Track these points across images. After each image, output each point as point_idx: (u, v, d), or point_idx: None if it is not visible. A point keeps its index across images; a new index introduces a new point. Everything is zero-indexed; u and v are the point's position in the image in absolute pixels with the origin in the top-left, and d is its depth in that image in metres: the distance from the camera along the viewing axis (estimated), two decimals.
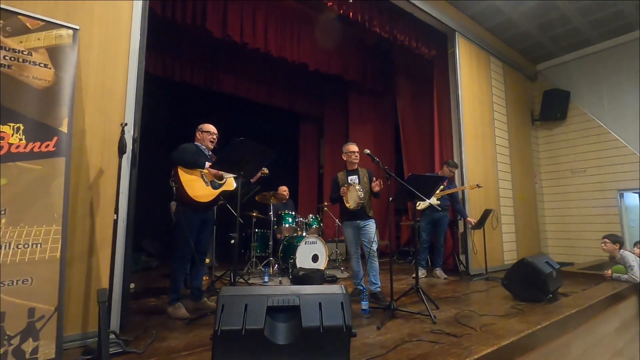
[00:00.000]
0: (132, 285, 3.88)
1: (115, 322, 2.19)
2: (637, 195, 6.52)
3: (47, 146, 1.99)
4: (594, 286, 3.90)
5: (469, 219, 4.85)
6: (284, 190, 5.42)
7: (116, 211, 2.20)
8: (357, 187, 3.40)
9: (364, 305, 3.01)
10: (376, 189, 3.38)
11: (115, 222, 2.19)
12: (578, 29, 5.89)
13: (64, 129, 2.09)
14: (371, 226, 3.45)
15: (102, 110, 2.39)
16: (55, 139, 2.03)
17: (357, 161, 3.56)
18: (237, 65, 6.52)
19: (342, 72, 6.38)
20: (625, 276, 3.88)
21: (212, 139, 3.16)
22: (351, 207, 3.42)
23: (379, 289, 3.43)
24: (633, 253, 4.15)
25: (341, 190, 3.50)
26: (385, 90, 7.26)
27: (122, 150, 2.26)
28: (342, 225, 3.69)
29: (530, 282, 3.34)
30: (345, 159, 3.65)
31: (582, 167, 6.44)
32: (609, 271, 4.11)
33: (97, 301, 1.82)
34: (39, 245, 1.84)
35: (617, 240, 4.07)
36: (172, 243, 3.07)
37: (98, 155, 2.34)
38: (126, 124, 2.32)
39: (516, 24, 5.81)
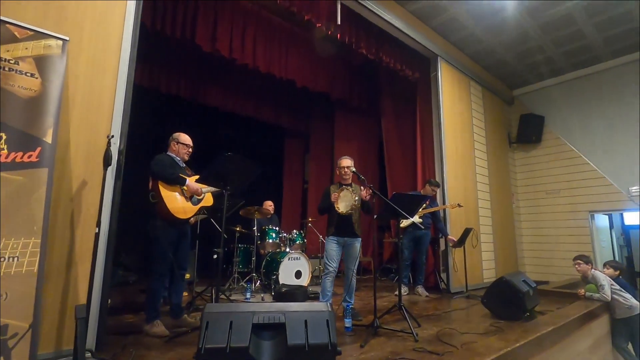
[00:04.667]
0: (108, 301, 3.75)
1: (91, 340, 2.11)
2: (606, 216, 6.85)
3: (29, 156, 1.95)
4: (569, 305, 4.03)
5: (450, 237, 4.95)
6: (269, 205, 5.41)
7: (98, 224, 2.15)
8: (352, 193, 3.32)
9: (347, 323, 3.01)
10: (366, 196, 3.24)
11: (97, 235, 2.14)
12: (551, 59, 6.26)
13: (48, 139, 2.05)
14: (357, 245, 3.45)
15: (89, 121, 2.36)
16: (38, 149, 1.99)
17: (347, 177, 3.47)
18: (224, 79, 6.54)
19: (328, 90, 6.50)
20: (597, 295, 4.03)
21: (188, 152, 3.10)
22: (341, 211, 3.31)
23: (352, 306, 3.35)
24: (603, 273, 4.33)
25: (332, 195, 3.37)
26: (370, 108, 7.43)
27: (107, 162, 2.23)
28: (326, 239, 3.54)
29: (508, 301, 3.43)
30: (337, 173, 3.62)
31: (556, 188, 6.72)
32: (582, 290, 4.26)
33: (75, 317, 1.76)
34: (15, 258, 1.78)
35: (588, 260, 4.23)
36: (150, 259, 2.97)
37: (82, 166, 2.30)
38: (112, 136, 2.30)
39: (495, 52, 6.12)
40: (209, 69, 6.31)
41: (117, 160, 2.43)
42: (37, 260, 1.81)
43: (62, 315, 2.09)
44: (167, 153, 3.05)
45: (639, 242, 7.43)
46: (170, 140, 3.09)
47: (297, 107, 7.98)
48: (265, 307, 1.76)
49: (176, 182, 2.87)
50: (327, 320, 1.74)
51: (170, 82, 6.09)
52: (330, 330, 1.71)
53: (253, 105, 7.23)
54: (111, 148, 2.27)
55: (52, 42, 2.23)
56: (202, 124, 7.71)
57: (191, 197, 2.97)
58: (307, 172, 8.54)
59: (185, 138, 3.09)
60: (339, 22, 4.40)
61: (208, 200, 3.13)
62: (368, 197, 3.25)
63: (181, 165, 3.06)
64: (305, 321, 1.72)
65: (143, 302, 3.79)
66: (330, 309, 1.79)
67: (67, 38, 2.28)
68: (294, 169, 8.56)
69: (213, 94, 6.63)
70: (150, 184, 2.86)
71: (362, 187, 3.30)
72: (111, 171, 2.36)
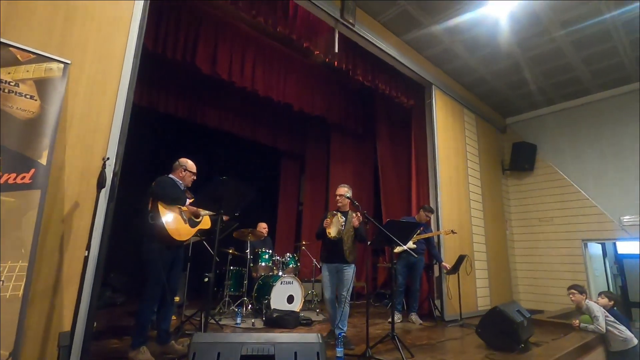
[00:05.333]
0: (93, 324, 3.65)
1: None
2: (600, 245, 6.87)
3: (23, 178, 1.94)
4: (563, 336, 3.98)
5: (443, 263, 4.93)
6: (263, 227, 5.37)
7: (88, 247, 2.12)
8: (341, 217, 3.38)
9: (339, 352, 2.93)
10: (355, 223, 3.31)
11: (86, 259, 2.11)
12: (542, 89, 6.44)
13: (43, 160, 2.05)
14: (349, 272, 3.43)
15: (85, 143, 2.37)
16: (32, 171, 1.98)
17: (340, 205, 3.53)
18: (221, 100, 6.62)
19: (325, 114, 6.60)
20: (592, 326, 3.99)
21: (193, 179, 3.16)
22: (332, 235, 3.37)
23: (343, 334, 3.33)
24: (597, 303, 4.30)
25: (325, 221, 3.45)
26: (366, 133, 7.54)
27: (101, 184, 2.23)
28: (321, 266, 3.62)
29: (502, 331, 3.38)
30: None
31: (549, 216, 6.76)
32: (577, 321, 4.22)
33: (58, 345, 1.71)
34: (1, 282, 1.74)
35: (583, 290, 4.22)
36: (143, 281, 2.92)
37: (76, 187, 2.29)
38: (108, 158, 2.31)
39: (487, 82, 6.30)
40: (208, 90, 6.40)
41: (112, 182, 2.43)
42: (23, 285, 1.78)
43: (45, 341, 2.03)
44: (170, 176, 3.09)
45: (634, 271, 7.45)
46: (176, 166, 3.12)
47: (293, 129, 8.07)
48: (254, 337, 1.73)
49: (177, 202, 2.89)
50: (318, 353, 1.70)
51: (168, 102, 6.15)
52: None
53: (250, 126, 7.30)
54: (106, 170, 2.27)
55: (54, 65, 2.26)
56: (199, 144, 7.75)
57: (189, 219, 2.97)
58: (302, 194, 8.53)
59: (192, 165, 3.16)
60: (336, 50, 4.53)
61: (206, 223, 3.11)
62: (357, 224, 3.30)
63: (182, 188, 3.09)
64: (295, 353, 1.68)
65: (130, 326, 3.70)
66: (320, 340, 1.75)
67: (69, 61, 2.32)
68: (290, 190, 8.55)
69: (211, 115, 6.70)
70: (150, 204, 2.87)
71: (357, 215, 3.31)
72: (104, 193, 2.35)
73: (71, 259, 2.18)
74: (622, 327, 3.96)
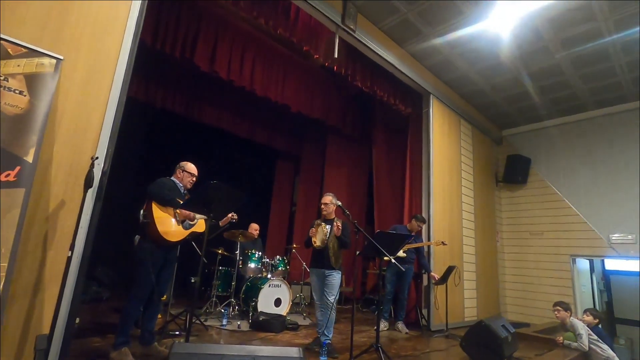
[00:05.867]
0: (77, 321, 3.61)
1: None
2: (587, 260, 6.92)
3: (7, 175, 1.91)
4: (547, 352, 4.01)
5: (432, 274, 4.94)
6: (254, 229, 5.35)
7: (71, 248, 2.09)
8: (326, 227, 3.46)
9: None
10: (337, 233, 3.41)
11: (69, 259, 2.08)
12: (540, 104, 6.47)
13: (29, 158, 2.01)
14: (335, 277, 3.45)
15: (73, 141, 2.33)
16: (17, 168, 1.95)
17: (325, 213, 3.58)
18: (219, 97, 6.58)
19: (322, 117, 6.58)
20: (575, 344, 4.02)
21: (192, 181, 3.16)
22: (317, 244, 3.46)
23: (329, 341, 3.37)
24: (583, 320, 4.34)
25: (311, 231, 3.55)
26: (362, 137, 7.53)
27: (88, 183, 2.20)
28: (309, 271, 3.68)
29: (486, 346, 3.39)
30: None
31: (540, 230, 6.80)
32: (561, 338, 4.25)
33: (34, 348, 1.68)
34: None
35: (568, 308, 4.25)
36: (132, 280, 2.91)
37: (61, 186, 2.25)
38: (97, 158, 2.27)
39: (486, 94, 6.32)
40: (205, 88, 6.35)
41: (100, 181, 2.39)
42: (1, 285, 1.74)
43: (23, 341, 1.99)
44: (171, 178, 3.11)
45: (621, 287, 7.52)
46: (176, 167, 3.16)
47: (290, 130, 8.04)
48: (235, 349, 1.71)
49: (170, 204, 2.88)
50: None
51: (165, 97, 6.10)
52: None
53: (247, 125, 7.27)
54: (94, 170, 2.24)
55: (46, 60, 2.22)
56: (195, 141, 7.71)
57: (183, 221, 2.96)
58: (296, 195, 8.52)
59: (191, 167, 3.17)
60: (336, 55, 4.51)
61: (200, 226, 3.10)
62: (338, 233, 3.40)
63: (182, 191, 3.10)
64: None
65: (114, 324, 3.67)
66: (301, 355, 1.74)
67: (62, 57, 2.28)
68: (283, 191, 8.53)
69: (207, 112, 6.65)
70: (145, 204, 2.87)
71: (337, 224, 3.42)
72: (92, 192, 2.32)
73: (54, 259, 2.15)
74: (605, 346, 3.99)
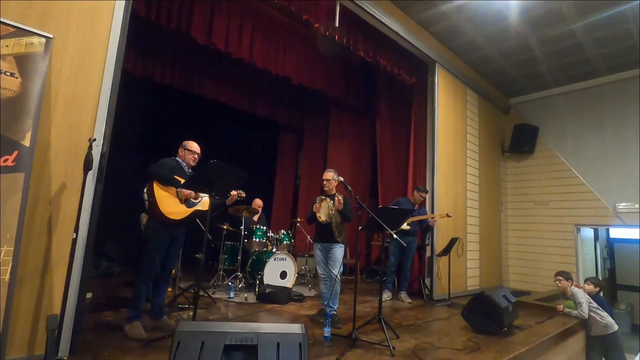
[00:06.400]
0: (89, 295, 3.74)
1: (65, 347, 2.09)
2: (591, 229, 6.93)
3: (5, 161, 1.90)
4: (547, 319, 4.10)
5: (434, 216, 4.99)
6: (258, 205, 5.39)
7: (76, 230, 2.12)
8: (329, 201, 3.47)
9: (326, 332, 3.03)
10: (339, 206, 3.44)
11: (74, 241, 2.11)
12: (550, 70, 6.24)
13: (27, 142, 2.00)
14: (338, 250, 3.51)
15: (71, 123, 2.30)
16: (15, 153, 1.94)
17: (327, 189, 3.57)
18: (219, 71, 6.42)
19: (325, 89, 6.43)
20: (575, 312, 4.10)
21: (194, 158, 3.15)
22: (322, 219, 3.48)
23: (334, 312, 3.50)
24: (584, 289, 4.40)
25: (314, 206, 3.55)
26: (366, 109, 7.38)
27: (87, 166, 2.19)
28: (313, 245, 3.74)
29: (487, 315, 3.47)
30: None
31: (545, 200, 6.77)
32: (561, 306, 4.33)
33: (46, 329, 1.74)
34: None
35: (569, 277, 4.29)
36: (139, 258, 3.00)
37: (62, 168, 2.25)
38: (95, 139, 2.25)
39: (493, 60, 6.08)
40: (205, 60, 6.17)
41: (99, 163, 2.39)
42: (9, 269, 1.78)
43: (36, 320, 2.07)
44: (175, 157, 3.11)
45: (624, 255, 7.57)
46: (179, 147, 3.16)
47: (292, 102, 7.89)
48: (238, 327, 1.75)
49: (170, 183, 2.90)
50: (300, 344, 1.73)
51: (164, 71, 5.97)
52: (302, 354, 1.71)
53: (248, 98, 7.14)
54: (92, 152, 2.23)
55: (35, 39, 2.16)
56: (196, 115, 7.62)
57: (186, 199, 2.98)
58: (300, 168, 8.50)
59: (192, 145, 3.16)
60: (337, 24, 4.33)
61: (205, 205, 3.12)
62: (340, 207, 3.44)
63: (186, 170, 3.10)
64: (278, 343, 1.71)
65: (125, 298, 3.81)
66: (304, 332, 1.79)
67: (51, 36, 2.21)
68: (287, 164, 8.51)
69: (208, 86, 6.52)
70: (148, 184, 2.90)
71: (338, 198, 3.44)
72: (92, 175, 2.32)
73: (60, 240, 2.18)
74: (604, 314, 4.07)
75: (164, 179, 2.86)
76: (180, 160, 3.11)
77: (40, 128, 2.12)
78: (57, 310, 2.04)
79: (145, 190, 3.10)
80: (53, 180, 2.22)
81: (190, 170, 3.14)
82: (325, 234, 3.54)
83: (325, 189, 3.57)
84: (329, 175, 3.57)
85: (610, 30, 5.03)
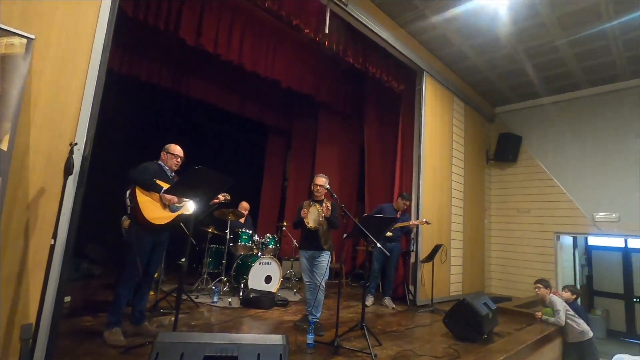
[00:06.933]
0: (67, 299, 3.66)
1: (40, 355, 2.04)
2: (571, 237, 7.12)
3: None
4: (526, 326, 4.20)
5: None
6: (244, 208, 5.36)
7: (54, 236, 2.07)
8: (319, 207, 3.45)
9: (309, 339, 3.03)
10: (327, 213, 3.43)
11: (52, 247, 2.06)
12: (532, 82, 6.40)
13: (4, 146, 1.95)
14: (324, 258, 3.51)
15: (51, 126, 2.25)
16: None
17: (318, 195, 3.54)
18: (208, 71, 6.36)
19: (314, 92, 6.44)
20: (552, 319, 4.21)
21: (177, 162, 3.09)
22: (310, 225, 3.45)
23: (316, 320, 3.48)
24: (561, 296, 4.52)
25: (302, 211, 3.52)
26: (354, 113, 7.42)
27: (68, 171, 2.15)
28: (299, 252, 3.72)
29: (467, 323, 3.54)
30: (312, 189, 3.66)
31: (527, 207, 6.93)
32: (540, 313, 4.45)
33: (20, 338, 1.70)
34: None
35: (548, 285, 4.42)
36: (120, 261, 2.96)
37: (41, 173, 2.20)
38: (76, 144, 2.21)
39: (480, 70, 6.20)
40: (193, 60, 6.09)
41: (81, 167, 2.34)
42: None
43: (10, 327, 2.01)
44: (157, 161, 3.05)
45: (601, 262, 7.82)
46: (162, 150, 3.10)
47: (281, 105, 7.88)
48: (218, 337, 1.75)
49: (150, 188, 2.84)
50: (281, 355, 1.74)
51: (151, 70, 5.89)
52: None
53: (236, 99, 7.09)
54: (74, 156, 2.19)
55: (16, 40, 2.10)
56: (183, 115, 7.54)
57: (169, 204, 2.94)
58: (287, 171, 8.49)
59: (174, 148, 3.09)
60: (327, 31, 4.35)
61: (188, 209, 3.09)
62: (328, 214, 3.45)
63: (169, 174, 3.05)
64: (258, 355, 1.72)
65: (105, 301, 3.74)
66: (285, 342, 1.79)
67: (33, 36, 2.15)
68: (275, 167, 8.50)
69: (195, 86, 6.46)
70: (130, 188, 2.85)
71: (326, 204, 3.46)
72: (73, 179, 2.27)
73: (37, 247, 2.13)
74: (580, 321, 4.19)
75: (144, 185, 2.81)
76: (162, 164, 3.05)
77: (19, 131, 2.07)
78: (33, 317, 1.99)
79: (127, 194, 3.06)
80: (31, 185, 2.16)
81: (173, 174, 3.09)
82: (311, 241, 3.52)
83: (317, 194, 3.54)
84: (322, 181, 3.52)
85: (590, 46, 5.19)
